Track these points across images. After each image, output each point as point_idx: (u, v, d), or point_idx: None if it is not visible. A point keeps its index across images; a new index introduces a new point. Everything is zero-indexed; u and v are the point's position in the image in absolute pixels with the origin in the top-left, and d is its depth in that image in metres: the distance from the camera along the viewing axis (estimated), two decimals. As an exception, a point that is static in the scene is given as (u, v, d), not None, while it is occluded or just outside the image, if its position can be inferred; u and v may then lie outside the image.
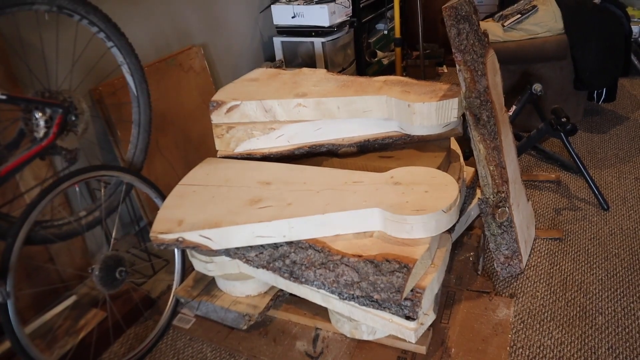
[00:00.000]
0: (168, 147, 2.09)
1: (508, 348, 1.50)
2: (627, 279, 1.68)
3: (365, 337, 1.56)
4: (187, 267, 1.79)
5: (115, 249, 1.59)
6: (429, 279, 1.32)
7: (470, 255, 1.84)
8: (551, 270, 1.75)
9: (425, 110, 1.50)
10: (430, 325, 1.57)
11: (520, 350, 1.50)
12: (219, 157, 1.73)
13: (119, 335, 1.70)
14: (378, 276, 1.29)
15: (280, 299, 1.69)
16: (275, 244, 1.43)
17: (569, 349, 1.48)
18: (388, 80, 1.68)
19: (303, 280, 1.40)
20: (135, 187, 1.63)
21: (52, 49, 1.65)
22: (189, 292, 1.69)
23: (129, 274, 1.54)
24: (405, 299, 1.31)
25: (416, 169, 1.49)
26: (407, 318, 1.32)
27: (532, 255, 1.82)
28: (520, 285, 1.71)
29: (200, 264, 1.62)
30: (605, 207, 1.97)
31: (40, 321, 1.60)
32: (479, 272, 1.77)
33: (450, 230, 1.71)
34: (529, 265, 1.78)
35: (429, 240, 1.32)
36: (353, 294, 1.33)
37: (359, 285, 1.31)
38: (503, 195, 1.62)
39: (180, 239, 1.41)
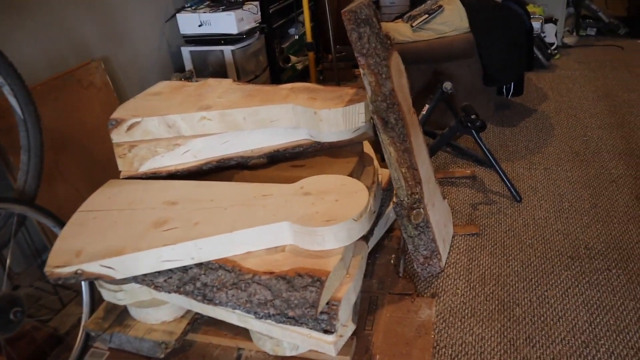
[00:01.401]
0: (70, 169, 1.95)
1: (431, 349, 1.48)
2: (540, 268, 1.71)
3: (288, 354, 1.49)
4: (97, 297, 1.67)
5: (11, 287, 1.45)
6: (345, 290, 1.28)
7: (391, 257, 1.83)
8: (470, 266, 1.76)
9: (332, 117, 1.46)
10: (354, 334, 1.54)
11: (444, 350, 1.48)
12: (122, 178, 1.62)
13: (26, 379, 1.56)
14: (291, 292, 1.23)
15: (199, 321, 1.60)
16: (184, 267, 1.35)
17: (489, 343, 1.48)
18: (295, 87, 1.63)
19: (217, 302, 1.32)
20: (29, 217, 1.50)
21: None
22: (99, 324, 1.57)
23: (25, 314, 1.41)
24: (322, 312, 1.26)
25: (326, 178, 1.45)
26: (325, 332, 1.27)
27: (451, 253, 1.83)
28: (441, 284, 1.71)
29: (109, 294, 1.50)
30: (518, 198, 2.01)
31: None
32: (401, 275, 1.75)
33: (368, 236, 1.69)
34: (449, 263, 1.78)
35: (342, 251, 1.28)
36: (268, 313, 1.27)
37: (273, 303, 1.25)
38: (417, 196, 1.61)
39: (79, 271, 1.30)
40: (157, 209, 1.43)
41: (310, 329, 1.30)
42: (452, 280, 1.71)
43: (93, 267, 1.30)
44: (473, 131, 1.94)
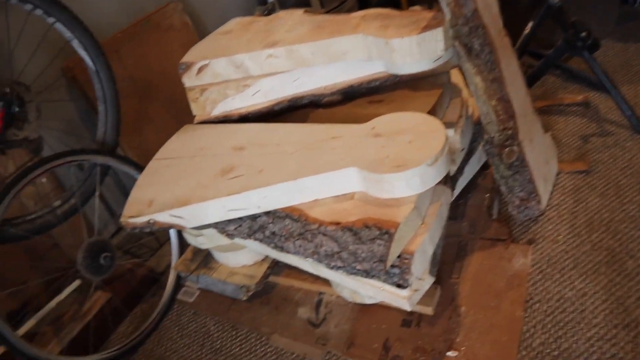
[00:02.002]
0: (159, 114, 1.96)
1: (524, 303, 1.32)
2: (664, 212, 1.43)
3: (367, 302, 1.42)
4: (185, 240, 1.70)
5: (100, 235, 1.50)
6: (419, 242, 1.15)
7: (485, 198, 1.64)
8: (576, 208, 1.52)
9: (406, 46, 1.27)
10: (438, 283, 1.41)
11: (538, 304, 1.31)
12: (196, 123, 1.57)
13: (126, 315, 1.64)
14: (358, 245, 1.12)
15: (281, 264, 1.57)
16: (253, 215, 1.29)
17: (592, 300, 1.28)
18: (367, 15, 1.44)
19: (286, 251, 1.26)
20: (112, 167, 1.52)
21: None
22: (187, 266, 1.59)
23: (115, 259, 1.46)
24: (393, 266, 1.14)
25: (401, 116, 1.28)
26: (398, 286, 1.16)
27: (554, 193, 1.59)
28: (540, 229, 1.50)
29: (192, 238, 1.51)
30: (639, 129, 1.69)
31: (46, 309, 1.55)
32: (494, 217, 1.56)
33: (456, 176, 1.51)
34: (551, 205, 1.56)
35: (415, 199, 1.13)
36: (336, 265, 1.18)
37: (340, 256, 1.16)
38: (510, 132, 1.39)
39: (151, 221, 1.30)
40: (225, 155, 1.37)
41: (383, 282, 1.19)
42: (554, 225, 1.50)
43: (163, 217, 1.29)
44: (583, 52, 1.62)
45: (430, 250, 1.20)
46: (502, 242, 1.48)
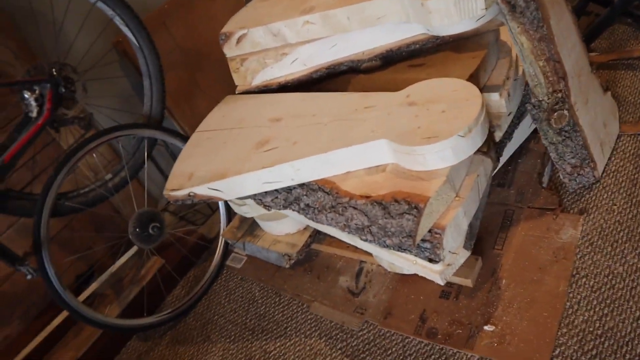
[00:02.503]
0: (210, 85, 2.00)
1: (569, 277, 1.27)
2: None
3: (405, 272, 1.42)
4: (232, 207, 1.76)
5: (154, 205, 1.59)
6: (451, 216, 1.12)
7: (536, 164, 1.56)
8: (636, 176, 1.41)
9: (443, 7, 1.20)
10: (480, 254, 1.38)
11: (584, 279, 1.25)
12: (238, 93, 1.59)
13: (179, 280, 1.74)
14: (387, 219, 1.12)
15: (322, 233, 1.59)
16: (288, 187, 1.31)
17: (638, 272, 1.21)
18: (404, -25, 1.37)
19: (320, 223, 1.28)
20: (160, 140, 1.58)
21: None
22: (234, 234, 1.65)
23: (164, 228, 1.54)
24: (424, 240, 1.13)
25: (437, 82, 1.23)
26: (430, 260, 1.15)
27: (613, 158, 1.48)
28: (594, 197, 1.41)
29: (237, 207, 1.55)
30: None
31: (107, 273, 1.68)
32: (544, 185, 1.49)
33: (503, 141, 1.44)
34: (608, 172, 1.46)
35: (447, 172, 1.10)
36: (366, 238, 1.18)
37: (370, 230, 1.16)
38: (560, 95, 1.30)
39: (191, 194, 1.35)
40: (262, 127, 1.39)
41: (415, 256, 1.18)
42: (609, 193, 1.40)
43: (202, 190, 1.33)
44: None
45: (464, 224, 1.17)
46: (551, 212, 1.41)
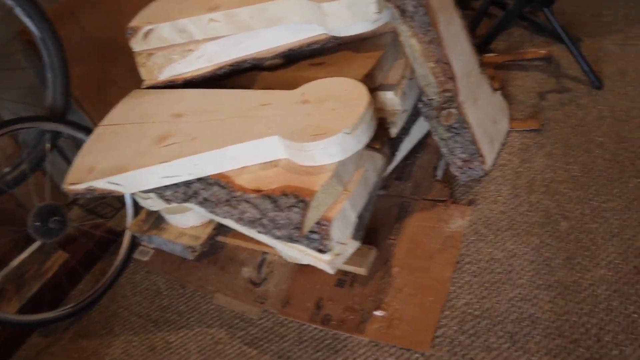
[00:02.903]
0: (122, 76, 1.97)
1: (454, 264, 1.36)
2: (605, 174, 1.44)
3: (304, 262, 1.48)
4: (141, 200, 1.76)
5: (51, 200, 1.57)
6: (338, 208, 1.18)
7: (432, 158, 1.65)
8: (520, 169, 1.53)
9: (337, 10, 1.26)
10: (375, 244, 1.46)
11: (468, 265, 1.36)
12: (144, 88, 1.60)
13: (85, 274, 1.73)
14: (277, 212, 1.17)
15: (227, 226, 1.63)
16: (187, 181, 1.33)
17: (520, 262, 1.32)
18: (305, -25, 1.42)
19: (217, 215, 1.32)
20: (63, 133, 1.56)
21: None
22: (140, 227, 1.66)
23: (66, 222, 1.53)
24: (313, 232, 1.19)
25: (330, 81, 1.29)
26: (319, 251, 1.21)
27: (502, 153, 1.60)
28: (482, 189, 1.52)
29: (142, 200, 1.56)
30: (597, 84, 1.66)
31: (8, 268, 1.64)
32: (438, 178, 1.59)
33: (400, 137, 1.52)
34: (497, 165, 1.57)
35: (334, 167, 1.16)
36: (259, 230, 1.23)
37: (261, 222, 1.21)
38: (449, 94, 1.39)
39: (90, 188, 1.35)
40: (164, 122, 1.40)
41: (305, 246, 1.24)
42: (496, 185, 1.52)
43: (102, 184, 1.34)
44: (541, 5, 1.58)
45: (352, 216, 1.24)
46: (442, 203, 1.51)
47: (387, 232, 1.49)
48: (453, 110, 1.41)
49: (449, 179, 1.58)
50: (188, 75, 1.53)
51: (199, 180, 1.32)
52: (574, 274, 1.25)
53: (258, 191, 1.19)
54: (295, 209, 1.13)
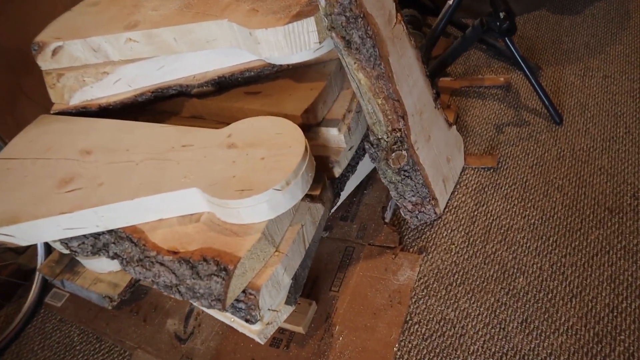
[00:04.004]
0: (37, 89, 1.73)
1: (402, 324, 1.21)
2: (565, 223, 1.31)
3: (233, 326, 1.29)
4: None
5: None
6: (268, 274, 1.00)
7: (380, 197, 1.49)
8: (475, 212, 1.39)
9: (272, 38, 1.08)
10: (315, 298, 1.29)
11: (417, 326, 1.20)
12: (53, 113, 1.37)
13: (-11, 318, 1.50)
14: (195, 280, 0.98)
15: (155, 268, 1.42)
16: (96, 232, 1.13)
17: (474, 323, 1.17)
18: (240, -6, 1.23)
19: (129, 274, 1.12)
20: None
21: None
22: (52, 269, 1.43)
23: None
24: (238, 300, 1.01)
25: (261, 122, 1.10)
26: (247, 321, 1.04)
27: (456, 192, 1.45)
28: (434, 235, 1.37)
29: (52, 242, 1.35)
30: (557, 120, 1.53)
31: None
32: (387, 220, 1.43)
33: (345, 175, 1.35)
34: (450, 207, 1.42)
35: (263, 227, 0.98)
36: (177, 297, 1.04)
37: (178, 289, 1.02)
38: (399, 134, 1.23)
39: (-22, 237, 1.13)
40: (70, 160, 1.18)
41: (231, 314, 1.06)
42: (449, 231, 1.37)
43: (-9, 234, 1.12)
44: (499, 36, 1.43)
45: (286, 280, 1.06)
46: (390, 250, 1.36)
47: (329, 283, 1.32)
48: (403, 152, 1.24)
49: (398, 221, 1.43)
50: (103, 101, 1.32)
51: (110, 232, 1.11)
52: (531, 341, 1.12)
53: (174, 253, 1.00)
54: (217, 278, 0.95)
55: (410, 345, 1.17)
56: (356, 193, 1.50)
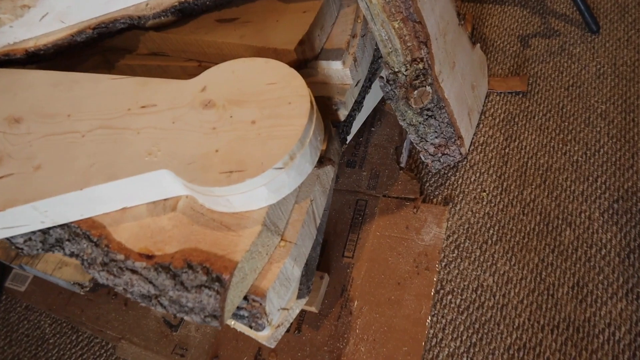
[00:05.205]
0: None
1: (433, 295, 0.99)
2: (613, 158, 1.06)
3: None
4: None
5: None
6: (275, 273, 0.75)
7: (393, 134, 1.21)
8: (507, 150, 1.13)
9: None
10: (326, 268, 1.05)
11: (449, 297, 0.98)
12: (-32, 63, 1.02)
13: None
14: (180, 292, 0.72)
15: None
16: (44, 228, 0.84)
17: (516, 290, 0.95)
18: None
19: (95, 278, 0.85)
20: None
21: None
22: (6, 252, 1.16)
23: None
24: (240, 307, 0.75)
25: (245, 67, 0.78)
26: (252, 327, 0.79)
27: (481, 125, 1.18)
28: (460, 181, 1.11)
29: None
30: (594, 28, 1.23)
31: None
32: (402, 165, 1.16)
33: (351, 115, 1.06)
34: (476, 144, 1.15)
35: (263, 217, 0.71)
36: (159, 310, 0.78)
37: (159, 301, 0.75)
38: (422, 66, 0.92)
39: None
40: (-8, 132, 0.86)
41: (232, 318, 0.82)
42: (478, 174, 1.11)
43: None
44: None
45: (297, 273, 0.81)
46: (410, 202, 1.10)
47: (340, 247, 1.08)
48: (427, 89, 0.94)
49: (416, 165, 1.16)
50: (31, 45, 0.96)
51: (62, 226, 0.82)
52: (585, 309, 0.91)
53: (148, 257, 0.73)
54: (208, 291, 0.69)
55: (444, 321, 0.96)
56: (362, 132, 1.21)
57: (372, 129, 1.23)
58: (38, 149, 0.80)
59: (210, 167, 0.68)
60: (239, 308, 0.75)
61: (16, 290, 1.22)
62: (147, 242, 0.74)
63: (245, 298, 0.74)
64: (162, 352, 1.05)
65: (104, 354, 1.08)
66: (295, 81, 0.73)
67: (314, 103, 0.73)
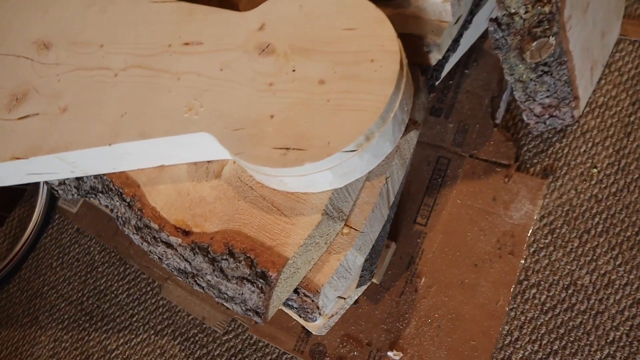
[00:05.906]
0: None
1: (515, 285, 0.82)
2: None
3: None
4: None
5: None
6: (332, 268, 0.60)
7: (489, 80, 0.98)
8: (632, 118, 0.88)
9: None
10: (395, 232, 0.90)
11: (534, 291, 0.81)
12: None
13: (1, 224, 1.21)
14: (220, 279, 0.59)
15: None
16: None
17: (617, 297, 0.77)
18: None
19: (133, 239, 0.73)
20: None
21: None
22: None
23: None
24: (290, 299, 0.62)
25: (316, 3, 0.58)
26: (302, 317, 0.66)
27: (604, 82, 0.92)
28: (567, 150, 0.89)
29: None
30: None
31: None
32: (498, 121, 0.94)
33: (441, 62, 0.84)
34: (593, 105, 0.91)
35: (325, 204, 0.55)
36: (197, 288, 0.66)
37: (196, 280, 0.63)
38: (548, 9, 0.68)
39: None
40: (20, 59, 0.72)
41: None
42: (590, 145, 0.88)
43: None
44: None
45: (359, 261, 0.65)
46: (502, 169, 0.90)
47: (413, 211, 0.91)
48: (550, 40, 0.70)
49: (514, 123, 0.94)
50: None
51: (96, 176, 0.70)
52: None
53: (185, 232, 0.59)
54: (251, 286, 0.56)
55: (523, 319, 0.80)
56: (453, 73, 0.99)
57: (466, 71, 0.99)
58: (66, 86, 0.66)
59: (263, 139, 0.52)
60: (290, 299, 0.63)
61: (68, 210, 1.16)
62: (185, 214, 0.60)
63: (296, 291, 0.61)
64: (208, 300, 0.96)
65: (150, 292, 1.01)
66: (382, 29, 0.53)
67: (405, 63, 0.53)
